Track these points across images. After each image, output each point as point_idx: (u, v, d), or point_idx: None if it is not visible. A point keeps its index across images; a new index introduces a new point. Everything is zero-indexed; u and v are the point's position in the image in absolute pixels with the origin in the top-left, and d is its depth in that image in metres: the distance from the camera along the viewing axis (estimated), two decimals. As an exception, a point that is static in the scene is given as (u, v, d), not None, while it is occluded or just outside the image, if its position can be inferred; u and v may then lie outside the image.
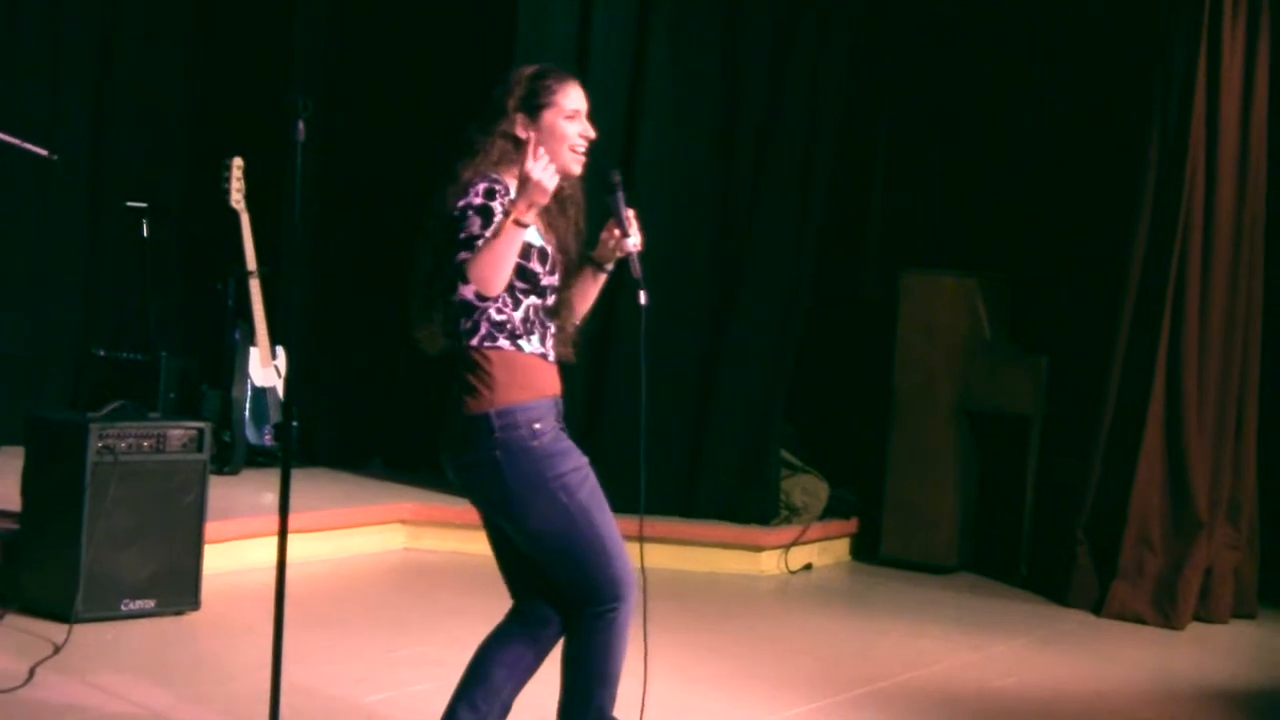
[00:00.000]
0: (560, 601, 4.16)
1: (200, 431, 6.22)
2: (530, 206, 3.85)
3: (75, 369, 8.77)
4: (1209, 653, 7.00)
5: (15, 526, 6.15)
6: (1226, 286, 7.51)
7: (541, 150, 3.91)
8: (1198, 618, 7.42)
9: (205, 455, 6.23)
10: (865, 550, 8.46)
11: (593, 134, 4.16)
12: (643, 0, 8.17)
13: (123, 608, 5.98)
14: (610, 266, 4.26)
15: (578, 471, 4.05)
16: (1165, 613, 7.34)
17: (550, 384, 4.09)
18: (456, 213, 3.93)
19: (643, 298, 4.16)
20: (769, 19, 8.22)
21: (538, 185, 3.84)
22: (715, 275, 8.25)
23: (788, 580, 7.97)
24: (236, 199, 8.16)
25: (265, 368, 8.32)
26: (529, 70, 4.16)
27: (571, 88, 4.13)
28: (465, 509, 8.19)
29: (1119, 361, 7.58)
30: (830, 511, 8.41)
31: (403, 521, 7.91)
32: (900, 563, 8.24)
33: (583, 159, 4.14)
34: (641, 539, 4.44)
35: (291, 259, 8.12)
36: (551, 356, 4.11)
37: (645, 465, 4.55)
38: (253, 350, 8.29)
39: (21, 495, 6.09)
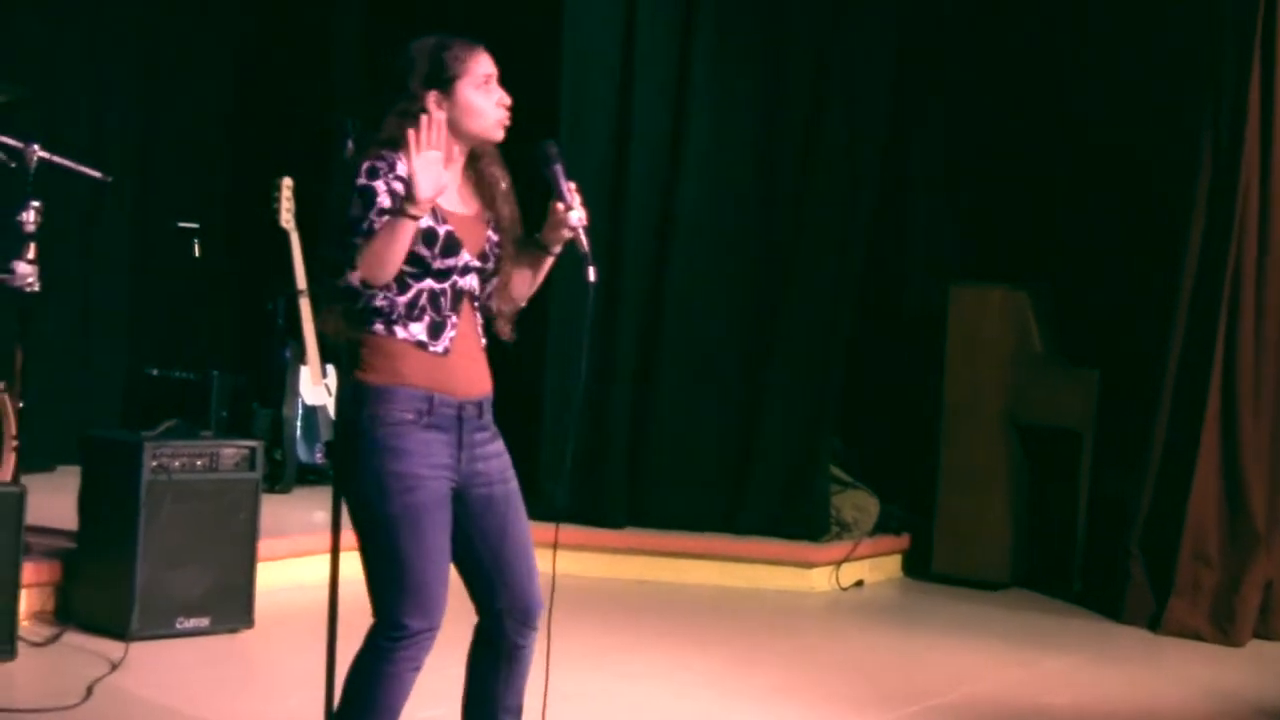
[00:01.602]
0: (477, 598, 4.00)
1: (252, 450, 6.26)
2: (419, 202, 3.65)
3: (128, 389, 8.82)
4: (1268, 671, 6.91)
5: (72, 545, 6.20)
6: (1282, 294, 7.45)
7: (426, 140, 3.68)
8: (1257, 635, 7.34)
9: (257, 473, 6.26)
10: (917, 566, 8.43)
11: (508, 99, 3.94)
12: (685, 18, 8.18)
13: (177, 625, 6.01)
14: (558, 248, 4.02)
15: (403, 478, 3.76)
16: (1223, 629, 7.26)
17: (425, 375, 3.81)
18: (347, 191, 3.78)
19: (590, 274, 3.89)
20: (811, 33, 8.22)
21: (419, 183, 3.64)
22: (761, 289, 8.24)
23: (839, 597, 7.95)
24: (286, 218, 8.19)
25: (316, 385, 8.36)
26: (430, 42, 3.95)
27: (479, 55, 3.93)
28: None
29: (1172, 373, 7.51)
30: (881, 527, 8.39)
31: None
32: (952, 579, 8.20)
33: (505, 124, 3.94)
34: (555, 545, 4.29)
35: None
36: (441, 347, 3.83)
37: (571, 455, 4.35)
38: (303, 368, 8.33)
39: (78, 514, 6.13)
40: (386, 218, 3.71)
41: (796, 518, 8.15)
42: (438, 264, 3.82)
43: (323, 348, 8.34)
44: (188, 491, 6.02)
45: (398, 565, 3.77)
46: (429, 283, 3.83)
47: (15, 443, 6.18)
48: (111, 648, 5.71)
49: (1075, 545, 8.08)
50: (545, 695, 4.08)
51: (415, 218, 3.68)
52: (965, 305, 8.23)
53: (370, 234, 3.72)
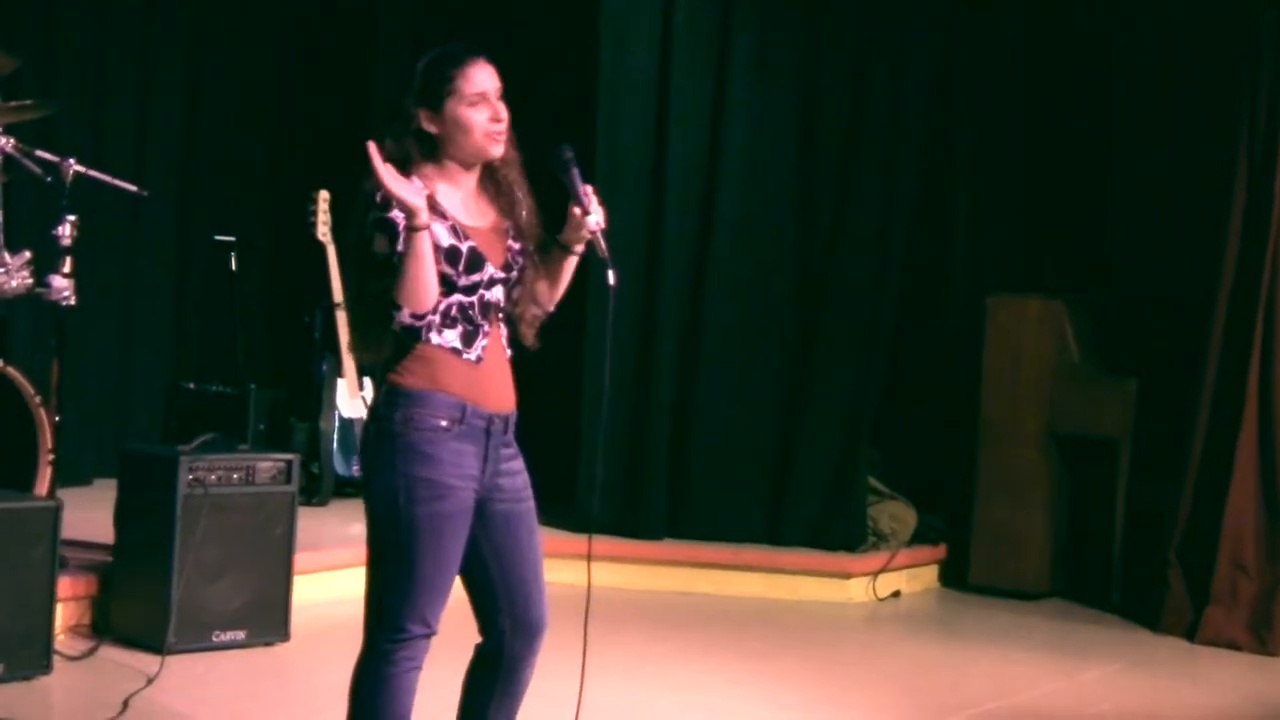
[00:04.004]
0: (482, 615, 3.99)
1: (289, 463, 6.27)
2: (411, 217, 3.65)
3: (165, 402, 8.85)
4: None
5: (108, 559, 6.22)
6: (1319, 303, 7.40)
7: (386, 168, 3.66)
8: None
9: (294, 487, 6.27)
10: (954, 577, 8.39)
11: (504, 115, 3.87)
12: (723, 29, 8.19)
13: (214, 639, 6.02)
14: (580, 248, 3.98)
15: (433, 485, 3.76)
16: (1261, 638, 7.23)
17: (460, 384, 3.82)
18: (366, 230, 3.75)
19: (611, 278, 3.87)
20: (850, 41, 8.22)
21: (400, 200, 3.65)
22: (799, 299, 8.23)
23: (876, 607, 7.93)
24: (322, 231, 8.22)
25: (353, 399, 8.38)
26: (430, 58, 3.92)
27: (473, 69, 3.87)
28: (550, 539, 8.20)
29: (1209, 382, 7.48)
30: (918, 538, 8.36)
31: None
32: (989, 589, 8.17)
33: (500, 140, 3.88)
34: (589, 556, 4.30)
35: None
36: (475, 355, 3.83)
37: (601, 462, 4.33)
38: (340, 382, 8.35)
39: (114, 528, 6.16)
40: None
41: (834, 529, 8.14)
42: (463, 280, 3.82)
43: (359, 361, 8.36)
44: (224, 505, 6.04)
45: (410, 571, 3.79)
46: (457, 297, 3.83)
47: (52, 457, 6.20)
48: (147, 661, 5.73)
49: (1113, 554, 8.04)
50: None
51: (421, 228, 3.67)
52: (1003, 315, 8.21)
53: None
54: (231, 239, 8.44)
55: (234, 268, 8.44)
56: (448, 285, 3.80)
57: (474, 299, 3.85)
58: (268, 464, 6.22)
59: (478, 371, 3.85)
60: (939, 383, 8.72)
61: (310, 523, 7.02)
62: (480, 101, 3.87)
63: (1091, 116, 8.62)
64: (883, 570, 8.04)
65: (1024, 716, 5.97)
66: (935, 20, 8.37)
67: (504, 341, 3.97)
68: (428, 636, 3.87)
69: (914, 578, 8.29)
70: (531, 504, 4.03)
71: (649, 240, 8.12)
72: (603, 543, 7.96)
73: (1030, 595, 8.09)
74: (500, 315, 3.95)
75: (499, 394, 3.92)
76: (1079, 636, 7.41)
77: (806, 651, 6.86)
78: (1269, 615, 7.25)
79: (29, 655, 5.48)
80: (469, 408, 3.82)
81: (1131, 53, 8.56)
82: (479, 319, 3.86)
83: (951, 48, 8.57)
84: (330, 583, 6.93)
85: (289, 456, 6.31)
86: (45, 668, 5.53)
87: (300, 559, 6.36)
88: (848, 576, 7.98)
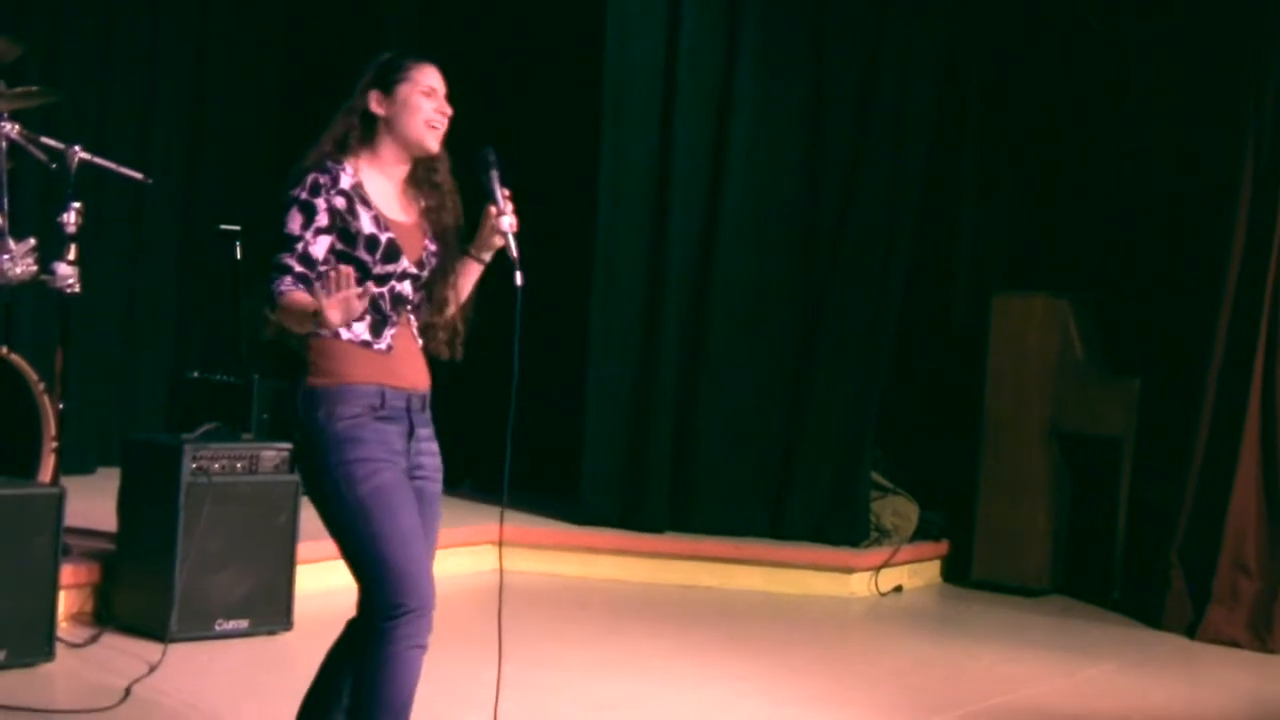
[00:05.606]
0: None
1: (292, 453, 6.27)
2: (327, 326, 3.68)
3: (170, 391, 8.87)
4: (1306, 678, 6.90)
5: (111, 547, 6.22)
6: (1323, 304, 7.40)
7: (334, 288, 3.65)
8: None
9: (297, 476, 6.27)
10: (956, 572, 8.41)
11: (449, 110, 4.04)
12: (730, 26, 8.19)
13: (216, 628, 6.03)
14: (487, 256, 4.09)
15: (366, 464, 3.85)
16: (1261, 637, 7.24)
17: (373, 371, 3.91)
18: (288, 199, 3.90)
19: (518, 279, 3.96)
20: (854, 45, 8.23)
21: (330, 317, 3.64)
22: (804, 296, 8.24)
23: (878, 602, 7.93)
24: (328, 222, 8.20)
25: (356, 390, 8.36)
26: (385, 56, 4.13)
27: (428, 68, 4.08)
28: (556, 531, 8.23)
29: (1213, 382, 7.49)
30: (921, 533, 8.38)
31: (494, 543, 7.93)
32: (991, 585, 8.18)
33: (440, 133, 4.03)
34: (500, 543, 4.30)
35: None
36: (384, 344, 3.93)
37: (511, 451, 4.38)
38: (344, 372, 8.33)
39: (118, 516, 6.16)
40: (314, 251, 3.84)
41: (837, 524, 8.15)
42: (378, 269, 3.92)
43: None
44: (227, 494, 6.05)
45: (377, 548, 3.84)
46: (369, 286, 3.86)
47: (55, 444, 6.20)
48: (150, 649, 5.74)
49: (1115, 552, 8.05)
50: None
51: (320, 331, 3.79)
52: (1008, 314, 8.22)
53: (305, 258, 3.84)
54: (236, 228, 8.43)
55: (238, 257, 8.44)
56: (362, 271, 3.88)
57: (384, 289, 3.94)
58: (271, 453, 6.23)
59: (389, 359, 3.95)
60: (943, 380, 8.74)
61: (313, 512, 6.98)
62: (431, 93, 4.04)
63: (1097, 116, 8.62)
64: (885, 565, 8.05)
65: (1024, 713, 5.97)
66: (941, 13, 8.35)
67: (415, 334, 4.07)
68: (423, 611, 3.90)
69: (916, 573, 8.30)
70: (440, 486, 4.15)
71: (653, 234, 8.12)
72: (605, 536, 7.99)
73: (1032, 592, 8.10)
74: (409, 308, 4.04)
75: (413, 375, 4.02)
76: (1080, 633, 7.42)
77: (808, 646, 6.86)
78: (1269, 614, 7.25)
79: (31, 642, 5.49)
80: (387, 391, 3.92)
81: (1139, 54, 8.56)
82: (388, 309, 3.96)
83: (957, 45, 8.56)
84: (333, 572, 6.86)
85: (292, 446, 6.31)
86: (48, 655, 5.53)
87: (303, 548, 6.36)
88: (850, 571, 7.99)
